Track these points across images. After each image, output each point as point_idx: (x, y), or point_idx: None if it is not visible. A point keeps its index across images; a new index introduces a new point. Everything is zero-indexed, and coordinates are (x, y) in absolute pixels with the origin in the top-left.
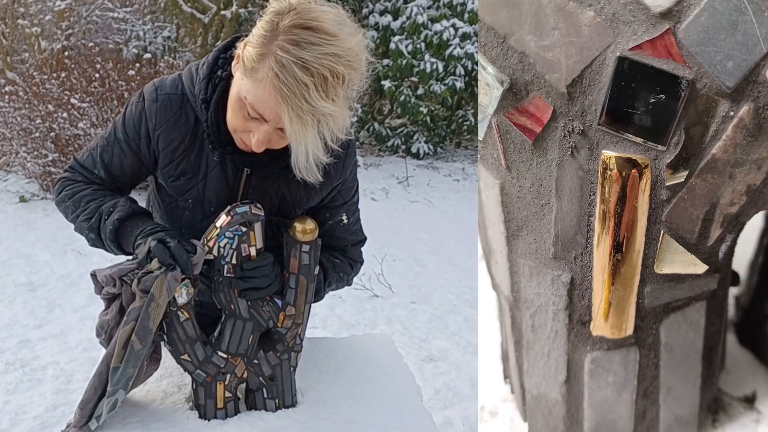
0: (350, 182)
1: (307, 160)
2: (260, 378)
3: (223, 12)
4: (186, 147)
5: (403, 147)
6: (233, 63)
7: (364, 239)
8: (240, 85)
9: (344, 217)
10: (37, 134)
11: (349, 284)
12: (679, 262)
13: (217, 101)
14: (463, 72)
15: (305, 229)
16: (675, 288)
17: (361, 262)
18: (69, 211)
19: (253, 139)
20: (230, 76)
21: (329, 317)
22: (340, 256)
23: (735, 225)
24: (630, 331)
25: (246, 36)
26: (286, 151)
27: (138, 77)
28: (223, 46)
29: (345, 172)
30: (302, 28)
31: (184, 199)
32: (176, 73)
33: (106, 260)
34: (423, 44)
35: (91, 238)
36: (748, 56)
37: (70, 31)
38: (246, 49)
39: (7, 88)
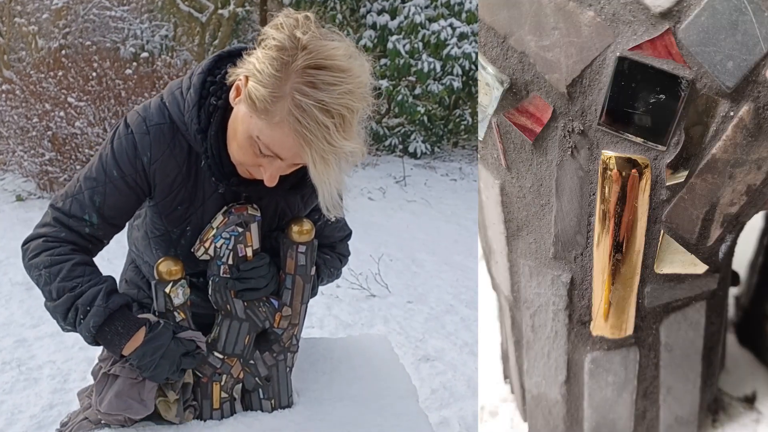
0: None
1: (332, 195)
2: (256, 378)
3: (220, 11)
4: (183, 177)
5: (401, 146)
6: (232, 95)
7: (350, 233)
8: (250, 123)
9: (332, 218)
10: (34, 133)
11: (338, 277)
12: (679, 262)
13: (216, 133)
14: (460, 72)
15: (302, 230)
16: (675, 288)
17: (349, 254)
18: (41, 283)
19: (266, 175)
20: (227, 105)
21: (326, 317)
22: (329, 252)
23: (735, 225)
24: (630, 331)
25: (236, 63)
26: (287, 177)
27: (135, 76)
28: (208, 68)
29: None
30: (317, 69)
31: (180, 229)
32: (157, 98)
33: (103, 259)
34: (420, 44)
35: (60, 326)
36: (748, 56)
37: (67, 29)
38: (253, 87)
39: (3, 87)
